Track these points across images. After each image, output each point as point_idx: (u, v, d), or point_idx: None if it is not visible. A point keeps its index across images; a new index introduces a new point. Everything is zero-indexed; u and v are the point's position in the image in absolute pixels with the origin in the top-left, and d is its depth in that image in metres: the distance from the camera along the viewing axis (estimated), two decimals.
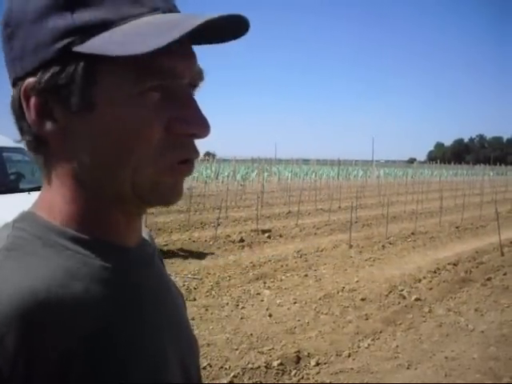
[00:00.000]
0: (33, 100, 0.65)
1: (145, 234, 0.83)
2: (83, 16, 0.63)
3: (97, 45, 0.62)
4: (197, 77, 0.70)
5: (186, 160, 0.69)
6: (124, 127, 0.65)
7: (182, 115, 0.66)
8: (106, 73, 0.64)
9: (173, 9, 0.68)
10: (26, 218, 0.70)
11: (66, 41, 0.63)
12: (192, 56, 0.69)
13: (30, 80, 0.64)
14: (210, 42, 0.71)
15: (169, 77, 0.66)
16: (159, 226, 12.79)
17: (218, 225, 12.24)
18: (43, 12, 0.64)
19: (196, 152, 0.70)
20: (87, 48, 0.62)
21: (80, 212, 0.69)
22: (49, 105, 0.65)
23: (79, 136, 0.66)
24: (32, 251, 0.65)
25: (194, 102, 0.68)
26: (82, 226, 0.69)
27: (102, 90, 0.64)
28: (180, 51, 0.66)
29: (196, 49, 0.70)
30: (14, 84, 0.67)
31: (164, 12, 0.66)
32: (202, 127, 0.67)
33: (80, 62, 0.63)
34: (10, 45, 0.67)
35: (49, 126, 0.66)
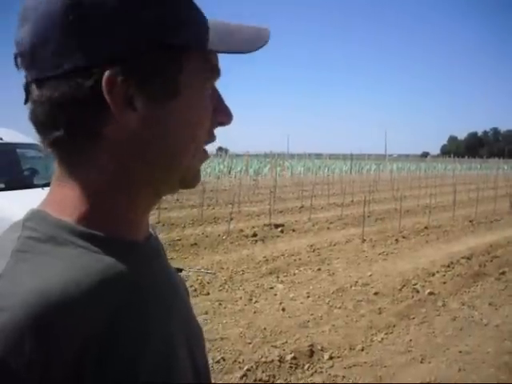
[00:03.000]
0: (118, 88, 0.64)
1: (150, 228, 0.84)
2: (175, 13, 0.67)
3: (195, 40, 0.69)
4: None
5: None
6: (197, 115, 0.72)
7: (220, 107, 0.76)
8: (188, 65, 0.69)
9: None
10: (36, 216, 0.69)
11: (157, 33, 0.65)
12: None
13: (116, 68, 0.63)
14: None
15: (218, 74, 0.76)
16: (172, 220, 12.82)
17: (231, 219, 12.25)
18: (134, 2, 0.64)
19: (216, 138, 0.79)
20: (188, 42, 0.68)
21: (95, 208, 0.69)
22: (129, 94, 0.65)
23: (157, 124, 0.69)
24: (44, 251, 0.65)
25: (221, 95, 0.77)
26: (93, 223, 0.69)
27: (185, 80, 0.69)
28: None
29: None
30: (80, 71, 0.63)
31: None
32: (230, 117, 0.78)
33: (170, 54, 0.67)
34: (78, 30, 0.63)
35: (129, 115, 0.66)
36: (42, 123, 0.67)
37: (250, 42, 0.72)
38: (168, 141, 0.70)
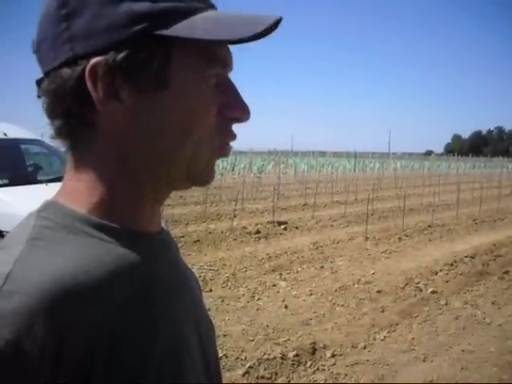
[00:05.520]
0: (101, 79, 0.65)
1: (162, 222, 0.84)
2: (162, 4, 0.66)
3: (183, 29, 0.65)
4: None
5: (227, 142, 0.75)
6: (190, 108, 0.69)
7: (230, 101, 0.72)
8: (180, 56, 0.67)
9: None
10: (50, 206, 0.71)
11: (144, 24, 0.65)
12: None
13: (99, 59, 0.65)
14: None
15: (225, 66, 0.73)
16: (176, 217, 12.83)
17: (235, 216, 12.26)
18: None
19: (236, 136, 0.75)
20: (174, 32, 0.65)
21: (108, 199, 0.70)
22: (115, 84, 0.66)
23: (145, 116, 0.68)
24: (57, 239, 0.66)
25: (237, 89, 0.74)
26: (107, 214, 0.70)
27: (176, 71, 0.67)
28: (227, 44, 0.72)
29: None
30: (70, 63, 0.66)
31: (216, 8, 0.72)
32: (246, 112, 0.73)
33: (157, 44, 0.66)
34: (68, 23, 0.67)
35: (114, 105, 0.67)
36: (47, 113, 0.70)
37: (242, 30, 0.66)
38: (156, 133, 0.69)
